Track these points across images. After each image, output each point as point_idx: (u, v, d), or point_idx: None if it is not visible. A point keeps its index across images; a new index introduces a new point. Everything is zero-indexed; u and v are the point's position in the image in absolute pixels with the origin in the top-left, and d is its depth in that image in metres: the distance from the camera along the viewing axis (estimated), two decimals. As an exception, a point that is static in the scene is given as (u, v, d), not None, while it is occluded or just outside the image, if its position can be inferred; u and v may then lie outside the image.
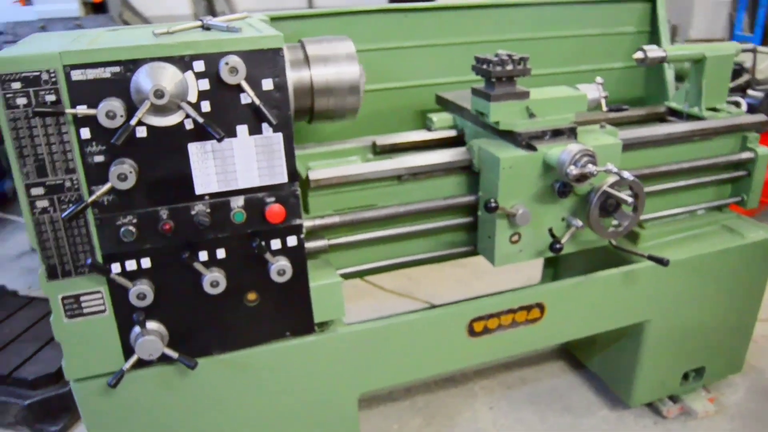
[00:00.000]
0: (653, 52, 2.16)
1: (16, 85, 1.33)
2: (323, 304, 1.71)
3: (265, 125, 1.52)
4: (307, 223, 1.75)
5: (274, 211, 1.56)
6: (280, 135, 1.54)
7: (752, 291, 2.40)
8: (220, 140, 1.44)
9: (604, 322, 2.16)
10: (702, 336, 2.38)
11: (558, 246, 1.79)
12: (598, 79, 1.93)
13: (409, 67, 2.32)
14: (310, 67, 1.67)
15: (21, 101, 1.35)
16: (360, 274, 1.96)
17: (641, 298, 2.16)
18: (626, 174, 1.67)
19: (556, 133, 1.81)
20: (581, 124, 2.00)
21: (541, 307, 1.99)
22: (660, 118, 2.45)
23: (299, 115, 1.74)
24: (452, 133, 2.10)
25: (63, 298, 1.50)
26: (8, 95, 1.33)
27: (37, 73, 1.34)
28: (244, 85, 1.44)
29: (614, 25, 2.65)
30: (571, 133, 1.82)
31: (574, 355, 2.85)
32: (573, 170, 1.62)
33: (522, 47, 2.50)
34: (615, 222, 1.80)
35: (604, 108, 1.94)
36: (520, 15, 2.49)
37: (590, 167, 1.63)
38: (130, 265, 1.51)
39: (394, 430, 2.50)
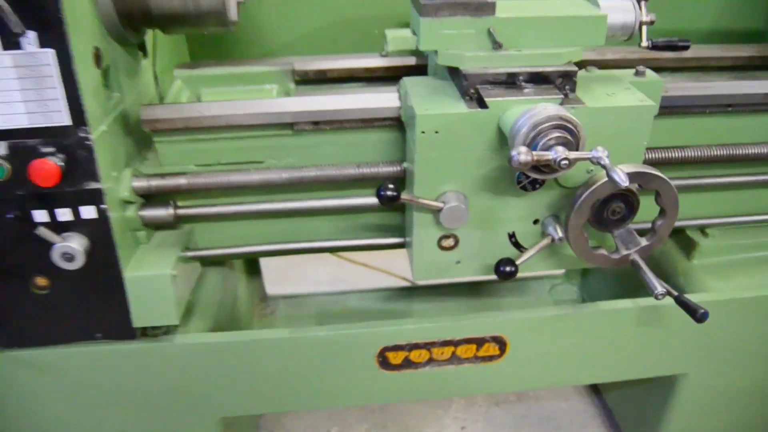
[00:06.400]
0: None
1: None
2: (144, 304, 1.18)
3: (27, 38, 0.96)
4: (137, 183, 1.19)
5: (39, 167, 1.02)
6: (51, 52, 0.98)
7: None
8: None
9: (607, 371, 1.45)
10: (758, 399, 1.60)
11: (507, 270, 1.09)
12: (641, -8, 1.12)
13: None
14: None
15: None
16: (234, 257, 1.41)
17: (672, 344, 1.42)
18: (618, 174, 0.90)
19: (537, 80, 1.06)
20: (599, 64, 1.23)
21: (500, 342, 1.33)
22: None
23: (136, 23, 1.16)
24: (410, 60, 1.40)
25: None
26: None
27: None
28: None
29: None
30: (565, 80, 1.06)
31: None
32: (520, 155, 0.90)
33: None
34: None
35: (644, 42, 1.14)
36: None
37: (557, 151, 0.90)
38: None
39: (331, 434, 2.00)
